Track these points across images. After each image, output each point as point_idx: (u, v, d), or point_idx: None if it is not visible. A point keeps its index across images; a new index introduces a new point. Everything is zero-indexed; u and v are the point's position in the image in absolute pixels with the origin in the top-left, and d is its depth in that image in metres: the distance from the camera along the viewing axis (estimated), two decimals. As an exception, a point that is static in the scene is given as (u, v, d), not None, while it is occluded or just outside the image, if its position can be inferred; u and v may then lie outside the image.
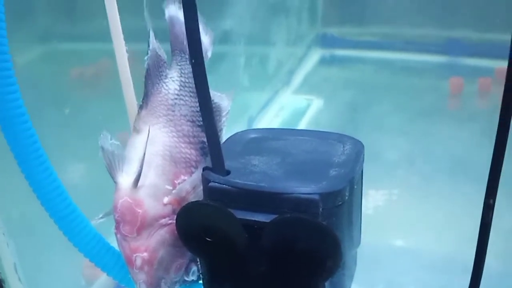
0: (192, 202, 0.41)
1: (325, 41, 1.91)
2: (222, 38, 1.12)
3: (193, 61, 0.37)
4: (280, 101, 1.48)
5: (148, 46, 0.47)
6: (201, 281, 0.47)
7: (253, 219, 0.39)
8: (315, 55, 1.88)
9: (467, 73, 1.46)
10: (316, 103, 1.41)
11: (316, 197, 0.38)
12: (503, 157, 0.32)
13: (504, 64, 0.36)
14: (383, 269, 0.88)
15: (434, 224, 0.93)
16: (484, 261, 0.35)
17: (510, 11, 1.43)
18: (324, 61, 1.87)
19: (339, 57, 1.89)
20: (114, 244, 0.48)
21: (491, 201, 0.32)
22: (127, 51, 0.48)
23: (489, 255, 0.38)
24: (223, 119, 0.51)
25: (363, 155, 0.45)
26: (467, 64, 1.49)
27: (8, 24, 0.43)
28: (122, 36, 0.47)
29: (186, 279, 0.47)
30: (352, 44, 1.89)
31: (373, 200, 1.04)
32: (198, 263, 0.45)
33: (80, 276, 0.72)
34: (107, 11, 0.46)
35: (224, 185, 0.40)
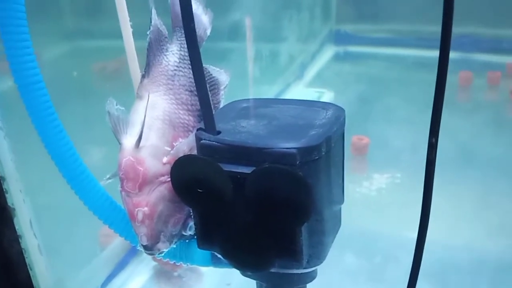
0: (184, 155, 0.46)
1: (339, 38, 1.95)
2: (232, 30, 1.16)
3: (185, 23, 0.42)
4: (292, 93, 1.53)
5: (150, 21, 0.52)
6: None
7: (237, 170, 0.43)
8: (329, 52, 1.92)
9: (477, 68, 1.48)
10: (327, 95, 1.46)
11: (294, 151, 0.42)
12: (443, 101, 0.36)
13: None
14: (381, 242, 0.92)
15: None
16: (430, 200, 0.39)
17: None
18: (337, 57, 1.91)
19: (352, 54, 1.93)
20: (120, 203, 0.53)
21: (434, 140, 0.36)
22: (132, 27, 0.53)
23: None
24: (221, 92, 0.56)
25: (343, 118, 0.49)
26: (478, 59, 1.51)
27: (36, 24, 0.49)
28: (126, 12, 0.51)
29: (184, 233, 0.51)
30: (365, 41, 1.92)
31: (377, 183, 1.08)
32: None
33: (96, 245, 0.78)
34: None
35: (214, 142, 0.45)
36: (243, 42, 1.24)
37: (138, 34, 0.75)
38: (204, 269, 0.85)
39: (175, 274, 0.84)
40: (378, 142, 1.21)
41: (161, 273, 0.85)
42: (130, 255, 0.85)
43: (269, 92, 1.43)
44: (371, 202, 1.02)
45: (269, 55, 1.41)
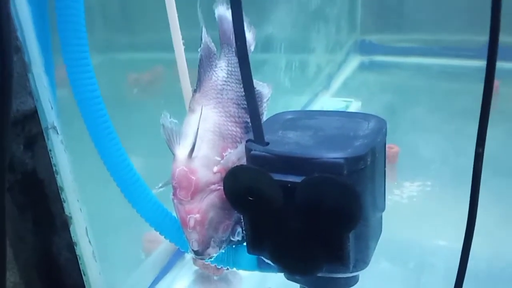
0: (237, 166, 0.48)
1: (364, 48, 1.98)
2: (264, 43, 1.19)
3: (238, 43, 0.45)
4: (320, 103, 1.55)
5: (201, 39, 0.55)
6: (245, 243, 0.54)
7: (287, 179, 0.46)
8: (354, 61, 1.95)
9: (503, 76, 1.48)
10: (355, 105, 1.47)
11: (342, 161, 0.44)
12: (489, 111, 0.39)
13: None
14: (414, 249, 0.93)
15: (462, 212, 0.98)
16: (476, 209, 0.41)
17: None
18: (363, 67, 1.94)
19: (378, 63, 1.95)
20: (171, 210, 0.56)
21: (480, 150, 0.38)
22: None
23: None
24: (264, 104, 0.58)
25: (385, 129, 0.51)
26: (504, 67, 1.51)
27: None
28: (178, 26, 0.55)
29: (232, 239, 0.54)
30: (390, 50, 1.94)
31: (408, 191, 1.10)
32: (243, 224, 0.53)
33: (140, 251, 0.81)
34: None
35: (264, 153, 0.47)
36: (275, 54, 1.27)
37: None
38: (244, 273, 0.87)
39: (216, 278, 0.87)
40: (407, 151, 1.22)
41: (202, 277, 0.87)
42: (173, 260, 0.88)
43: (298, 102, 1.46)
44: (403, 210, 1.04)
45: (298, 66, 1.44)
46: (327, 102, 1.53)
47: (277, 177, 0.46)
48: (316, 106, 1.51)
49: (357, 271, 0.49)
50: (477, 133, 0.40)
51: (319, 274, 0.49)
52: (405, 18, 1.91)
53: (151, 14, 1.04)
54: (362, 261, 0.49)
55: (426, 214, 1.04)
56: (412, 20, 1.89)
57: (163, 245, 0.84)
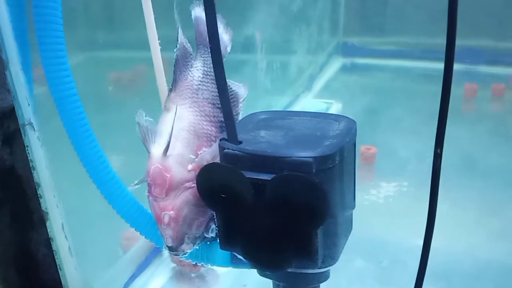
0: (210, 163, 0.49)
1: (346, 50, 2.01)
2: (245, 44, 1.21)
3: (212, 45, 0.46)
4: (301, 104, 1.58)
5: (177, 40, 0.56)
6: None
7: (258, 177, 0.47)
8: (336, 63, 1.98)
9: (481, 80, 1.53)
10: (335, 106, 1.50)
11: (310, 159, 0.46)
12: (447, 114, 0.40)
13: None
14: (388, 248, 0.96)
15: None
16: (436, 206, 0.43)
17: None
18: (345, 69, 1.97)
19: (359, 65, 1.98)
20: (146, 207, 0.57)
21: (439, 150, 0.40)
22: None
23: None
24: (240, 104, 0.60)
25: (355, 130, 0.53)
26: (482, 71, 1.55)
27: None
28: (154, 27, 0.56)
29: (206, 235, 0.55)
30: (372, 53, 1.97)
31: (384, 191, 1.12)
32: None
33: (118, 247, 0.82)
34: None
35: (236, 151, 0.49)
36: (256, 54, 1.28)
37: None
38: (220, 270, 0.88)
39: (193, 275, 0.88)
40: (385, 152, 1.25)
41: (180, 274, 0.89)
42: (150, 257, 0.89)
43: (279, 103, 1.48)
44: (379, 209, 1.06)
45: (279, 67, 1.45)
46: (308, 103, 1.55)
47: (249, 175, 0.47)
48: (298, 107, 1.53)
49: (325, 267, 0.51)
50: (436, 134, 0.41)
51: (290, 270, 0.51)
52: (387, 22, 1.94)
53: (134, 13, 1.04)
54: (331, 257, 0.50)
55: (401, 213, 1.06)
56: (394, 24, 1.93)
57: (140, 242, 0.85)
